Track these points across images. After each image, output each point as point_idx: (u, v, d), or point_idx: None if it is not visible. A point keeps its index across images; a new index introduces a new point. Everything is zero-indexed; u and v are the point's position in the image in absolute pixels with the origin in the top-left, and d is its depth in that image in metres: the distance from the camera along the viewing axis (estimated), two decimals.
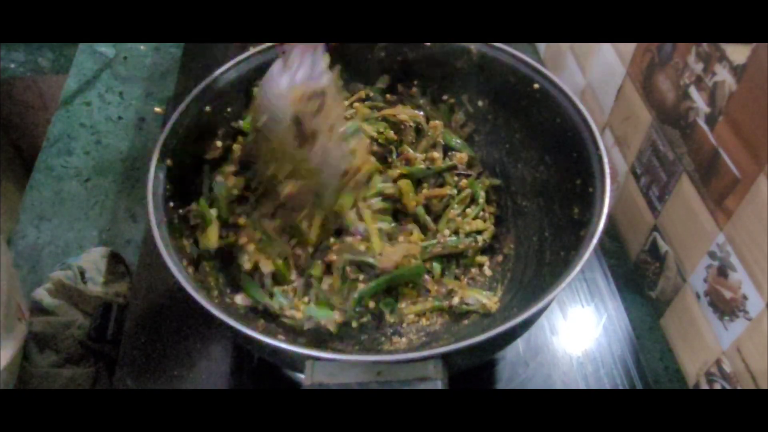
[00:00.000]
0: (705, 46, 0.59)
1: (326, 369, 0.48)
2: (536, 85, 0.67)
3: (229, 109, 0.70)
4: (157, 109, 0.97)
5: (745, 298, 0.58)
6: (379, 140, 0.73)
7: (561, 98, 0.65)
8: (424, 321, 0.66)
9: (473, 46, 0.70)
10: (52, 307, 0.69)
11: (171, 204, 0.61)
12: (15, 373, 0.63)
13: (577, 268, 0.52)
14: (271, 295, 0.63)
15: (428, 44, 0.73)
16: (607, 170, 0.58)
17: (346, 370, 0.48)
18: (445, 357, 0.48)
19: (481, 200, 0.73)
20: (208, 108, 0.67)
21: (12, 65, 1.23)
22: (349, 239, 0.65)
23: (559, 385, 0.65)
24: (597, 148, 0.60)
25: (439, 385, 0.47)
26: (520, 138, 0.73)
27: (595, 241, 0.53)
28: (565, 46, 0.93)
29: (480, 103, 0.75)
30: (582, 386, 0.65)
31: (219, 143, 0.70)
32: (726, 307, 0.61)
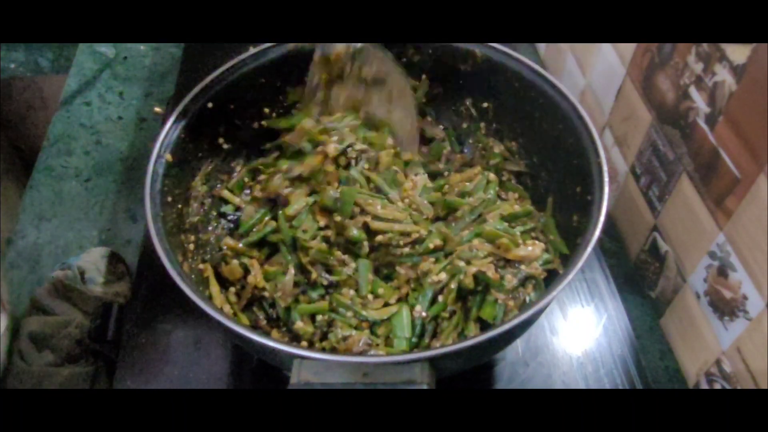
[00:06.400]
0: (705, 46, 0.59)
1: (313, 368, 0.48)
2: (539, 91, 0.67)
3: (231, 106, 0.70)
4: (157, 109, 0.97)
5: (745, 298, 0.58)
6: None
7: (564, 104, 0.64)
8: None
9: (477, 50, 0.70)
10: (51, 307, 0.69)
11: (169, 199, 0.61)
12: (2, 365, 0.63)
13: (569, 278, 0.52)
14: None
15: (431, 47, 0.73)
16: (606, 179, 0.58)
17: (333, 370, 0.48)
18: (432, 360, 0.48)
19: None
20: (210, 104, 0.67)
21: (12, 65, 1.23)
22: None
23: (559, 385, 0.65)
24: (597, 156, 0.60)
25: (424, 388, 0.47)
26: (523, 143, 0.73)
27: (589, 248, 0.53)
28: (565, 46, 0.93)
29: (485, 105, 0.75)
30: (582, 386, 0.65)
31: (221, 140, 0.70)
32: (726, 307, 0.61)
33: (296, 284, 0.62)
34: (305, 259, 0.63)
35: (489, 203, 0.68)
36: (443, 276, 0.61)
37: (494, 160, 0.74)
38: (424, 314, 0.60)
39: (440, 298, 0.61)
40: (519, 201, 0.71)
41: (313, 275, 0.62)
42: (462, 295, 0.61)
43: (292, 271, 0.62)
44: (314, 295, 0.62)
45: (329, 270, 0.63)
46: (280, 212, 0.66)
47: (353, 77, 0.70)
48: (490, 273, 0.60)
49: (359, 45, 0.68)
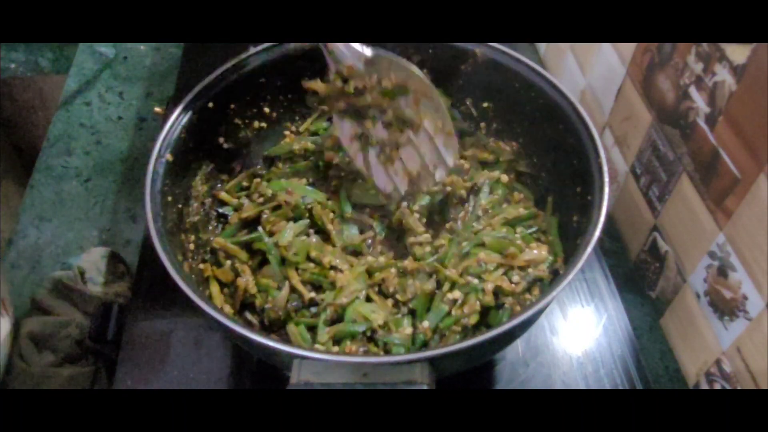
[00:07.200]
0: (705, 46, 0.59)
1: (313, 368, 0.48)
2: (539, 91, 0.67)
3: (231, 106, 0.70)
4: (157, 109, 0.97)
5: (745, 298, 0.58)
6: None
7: (564, 104, 0.64)
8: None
9: (478, 50, 0.70)
10: (51, 307, 0.69)
11: (169, 199, 0.61)
12: (2, 368, 0.63)
13: (569, 278, 0.52)
14: None
15: (431, 46, 0.73)
16: (606, 179, 0.58)
17: (333, 370, 0.48)
18: (432, 360, 0.48)
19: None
20: (210, 104, 0.67)
21: (12, 65, 1.23)
22: None
23: (559, 385, 0.65)
24: (597, 156, 0.60)
25: (424, 388, 0.47)
26: (523, 143, 0.73)
27: (589, 248, 0.53)
28: (565, 46, 0.93)
29: (485, 105, 0.75)
30: (582, 386, 0.65)
31: (221, 140, 0.70)
32: (726, 307, 0.61)
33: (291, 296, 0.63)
34: (295, 279, 0.63)
35: (495, 204, 0.68)
36: (457, 294, 0.60)
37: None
38: (428, 330, 0.60)
39: (453, 311, 0.60)
40: (522, 201, 0.71)
41: (306, 296, 0.62)
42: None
43: (287, 288, 0.62)
44: (308, 312, 0.62)
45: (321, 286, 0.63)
46: (264, 235, 0.65)
47: (374, 91, 0.63)
48: (506, 285, 0.60)
49: (370, 53, 0.60)
